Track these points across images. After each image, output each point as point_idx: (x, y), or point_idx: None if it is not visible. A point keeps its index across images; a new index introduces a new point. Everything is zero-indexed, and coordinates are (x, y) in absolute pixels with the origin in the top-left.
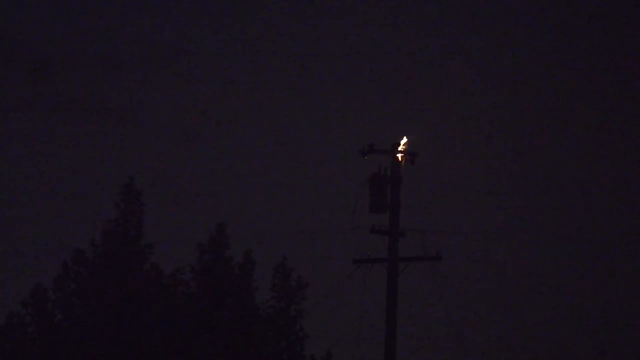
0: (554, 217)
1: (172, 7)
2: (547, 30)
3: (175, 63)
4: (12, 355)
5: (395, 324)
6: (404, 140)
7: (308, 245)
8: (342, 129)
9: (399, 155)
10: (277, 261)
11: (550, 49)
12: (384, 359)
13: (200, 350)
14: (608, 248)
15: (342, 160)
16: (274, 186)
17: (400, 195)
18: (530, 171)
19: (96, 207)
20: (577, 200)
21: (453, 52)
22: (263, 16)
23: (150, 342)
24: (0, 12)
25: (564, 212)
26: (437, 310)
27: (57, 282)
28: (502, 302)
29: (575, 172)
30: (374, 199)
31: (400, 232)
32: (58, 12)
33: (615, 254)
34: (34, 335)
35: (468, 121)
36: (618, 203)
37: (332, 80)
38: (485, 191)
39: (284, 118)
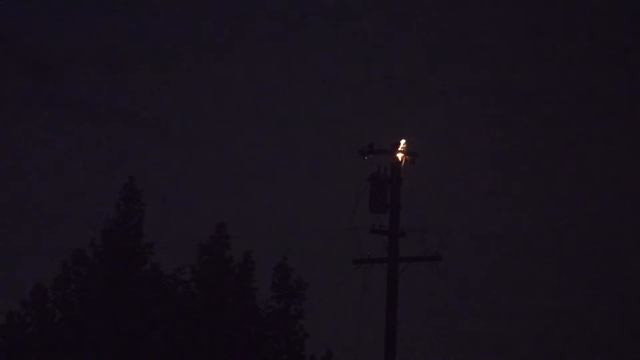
0: (555, 217)
1: (172, 7)
2: (549, 30)
3: (175, 63)
4: (12, 355)
5: (395, 323)
6: (403, 142)
7: (308, 245)
8: (342, 129)
9: (399, 155)
10: (277, 261)
11: (551, 47)
12: (384, 358)
13: (201, 350)
14: (610, 248)
15: (342, 160)
16: (274, 186)
17: (400, 195)
18: (531, 171)
19: (96, 207)
20: (578, 199)
21: (453, 51)
22: (263, 17)
23: (150, 342)
24: (1, 12)
25: (565, 211)
26: (436, 310)
27: (57, 282)
28: (502, 302)
29: (576, 172)
30: (374, 199)
31: (400, 232)
32: (58, 12)
33: (618, 255)
34: (34, 335)
35: (468, 121)
36: (619, 202)
37: (332, 80)
38: (485, 191)
39: (284, 118)
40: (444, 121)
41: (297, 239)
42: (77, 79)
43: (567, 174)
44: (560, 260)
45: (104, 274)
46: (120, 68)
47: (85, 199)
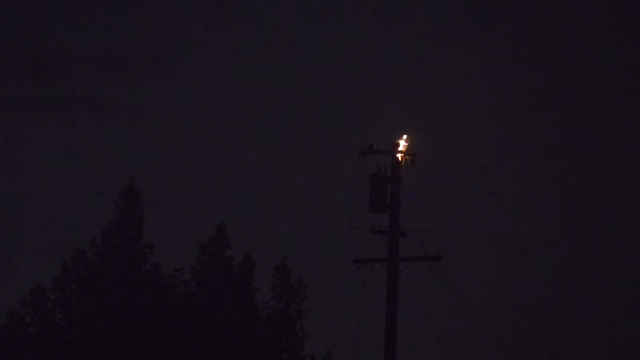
0: (555, 217)
1: (172, 6)
2: (549, 29)
3: (175, 63)
4: (12, 355)
5: (395, 324)
6: (404, 138)
7: (308, 245)
8: (342, 129)
9: (399, 155)
10: (277, 261)
11: (552, 47)
12: (384, 358)
13: (200, 350)
14: (610, 248)
15: (342, 160)
16: (274, 186)
17: (400, 195)
18: (531, 171)
19: (96, 207)
20: (578, 200)
21: (454, 51)
22: (262, 16)
23: (150, 342)
24: (0, 11)
25: (565, 212)
26: (436, 311)
27: (57, 282)
28: (502, 302)
29: (577, 172)
30: (374, 199)
31: (400, 232)
32: (58, 12)
33: (618, 254)
34: (34, 335)
35: (469, 121)
36: (620, 202)
37: (332, 80)
38: (485, 191)
39: (284, 118)
40: (445, 121)
41: (297, 239)
42: (77, 79)
43: (569, 173)
44: (559, 260)
45: (104, 274)
46: (120, 68)
47: (85, 199)
